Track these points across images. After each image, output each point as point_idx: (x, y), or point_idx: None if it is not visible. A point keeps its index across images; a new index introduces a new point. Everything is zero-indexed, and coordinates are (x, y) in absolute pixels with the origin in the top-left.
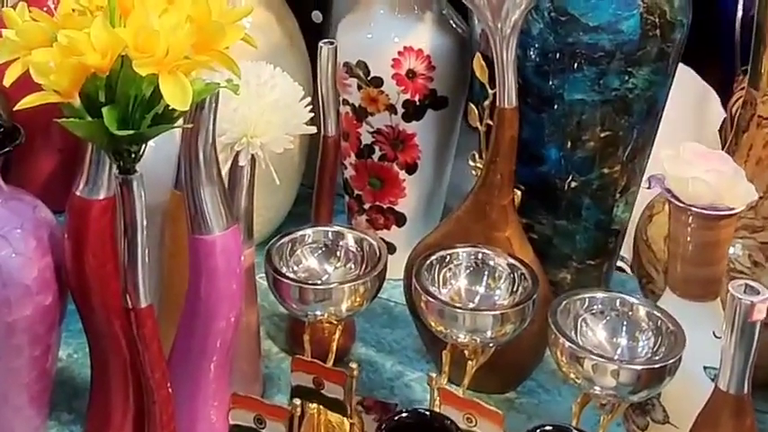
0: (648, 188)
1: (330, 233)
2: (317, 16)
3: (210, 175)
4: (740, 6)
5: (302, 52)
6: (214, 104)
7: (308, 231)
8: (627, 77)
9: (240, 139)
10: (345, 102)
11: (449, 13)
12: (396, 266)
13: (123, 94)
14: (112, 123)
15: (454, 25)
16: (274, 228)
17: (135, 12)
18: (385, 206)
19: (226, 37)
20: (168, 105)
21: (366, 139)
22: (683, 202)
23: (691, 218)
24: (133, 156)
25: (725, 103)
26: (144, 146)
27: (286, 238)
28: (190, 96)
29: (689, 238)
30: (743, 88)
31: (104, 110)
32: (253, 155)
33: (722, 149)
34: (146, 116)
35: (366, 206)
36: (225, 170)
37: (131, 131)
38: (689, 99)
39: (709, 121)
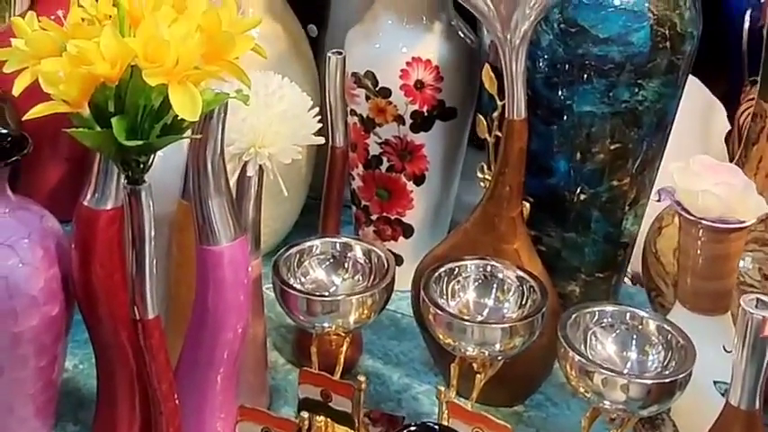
0: (658, 201)
1: (338, 244)
2: (312, 30)
3: (219, 185)
4: (747, 17)
5: (309, 62)
6: (223, 115)
7: (316, 242)
8: (637, 90)
9: (248, 149)
10: (353, 112)
11: (457, 24)
12: (403, 278)
13: (132, 104)
14: (121, 133)
15: (463, 36)
16: (281, 238)
17: (145, 21)
18: (392, 217)
19: (236, 47)
20: (177, 116)
21: (374, 149)
22: (693, 215)
23: (701, 231)
24: (142, 166)
25: (732, 114)
26: (153, 156)
27: (293, 249)
28: (199, 107)
29: (699, 252)
30: (750, 99)
31: (113, 120)
32: (261, 165)
33: (729, 160)
34: (155, 126)
35: (373, 217)
36: (233, 180)
37: (140, 142)
38: (695, 110)
39: (714, 132)
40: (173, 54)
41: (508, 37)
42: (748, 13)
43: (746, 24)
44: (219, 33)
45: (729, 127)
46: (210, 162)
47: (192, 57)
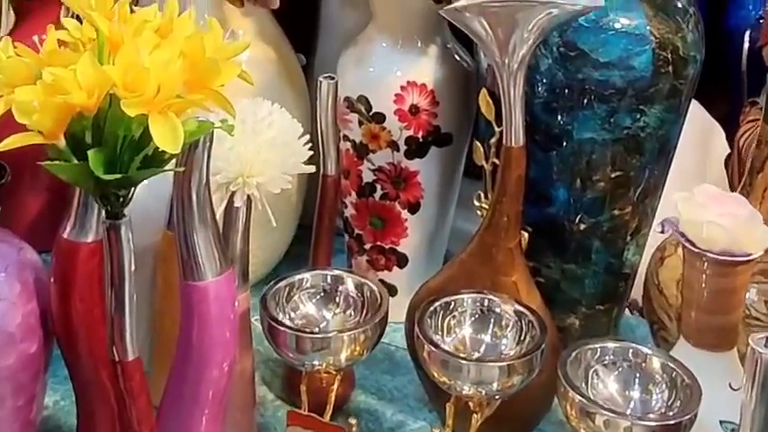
0: (661, 232)
1: (329, 277)
2: (300, 59)
3: (204, 218)
4: (747, 37)
5: (301, 88)
6: (208, 144)
7: (306, 275)
8: (638, 115)
9: (236, 178)
10: (346, 138)
11: (453, 47)
12: (397, 309)
13: (111, 135)
14: (99, 167)
15: (459, 59)
16: (270, 269)
17: (124, 47)
18: (386, 246)
19: (220, 74)
20: (159, 147)
21: (367, 176)
22: (698, 248)
23: (706, 264)
24: (121, 200)
25: (731, 136)
26: (133, 189)
27: (282, 283)
28: (181, 138)
29: (704, 285)
30: (750, 120)
31: (90, 152)
32: (249, 195)
33: (729, 184)
34: (135, 158)
35: (367, 246)
36: (219, 211)
37: (119, 175)
38: (694, 133)
39: (714, 156)
40: (153, 82)
41: (506, 61)
42: (747, 33)
43: (746, 45)
44: (203, 60)
45: (729, 150)
46: (195, 193)
47: (174, 85)
